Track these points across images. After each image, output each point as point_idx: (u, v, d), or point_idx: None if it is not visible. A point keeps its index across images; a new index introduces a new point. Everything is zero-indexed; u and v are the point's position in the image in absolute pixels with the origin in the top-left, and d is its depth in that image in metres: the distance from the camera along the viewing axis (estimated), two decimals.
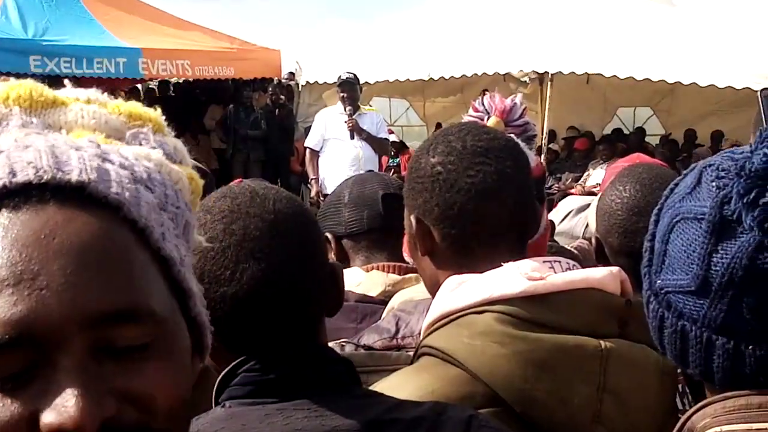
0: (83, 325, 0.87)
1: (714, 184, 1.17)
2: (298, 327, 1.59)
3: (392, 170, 17.60)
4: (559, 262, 1.80)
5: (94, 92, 1.12)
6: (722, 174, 1.17)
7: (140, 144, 1.07)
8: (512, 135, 2.40)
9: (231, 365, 1.56)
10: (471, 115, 2.53)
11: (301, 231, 1.62)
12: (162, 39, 16.65)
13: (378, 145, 10.69)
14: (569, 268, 1.78)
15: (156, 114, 1.12)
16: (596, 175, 15.38)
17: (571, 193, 14.49)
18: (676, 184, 1.29)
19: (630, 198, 2.47)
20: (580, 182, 15.69)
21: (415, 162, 1.96)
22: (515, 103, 2.52)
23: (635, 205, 2.45)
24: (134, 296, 0.91)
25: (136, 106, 1.12)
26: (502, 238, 1.87)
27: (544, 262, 1.78)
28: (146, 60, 15.78)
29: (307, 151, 10.83)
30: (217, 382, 1.58)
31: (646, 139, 18.98)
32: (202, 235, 1.54)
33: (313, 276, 1.59)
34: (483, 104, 2.53)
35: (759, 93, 1.73)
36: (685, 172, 1.30)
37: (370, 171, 2.83)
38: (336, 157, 10.39)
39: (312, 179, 10.61)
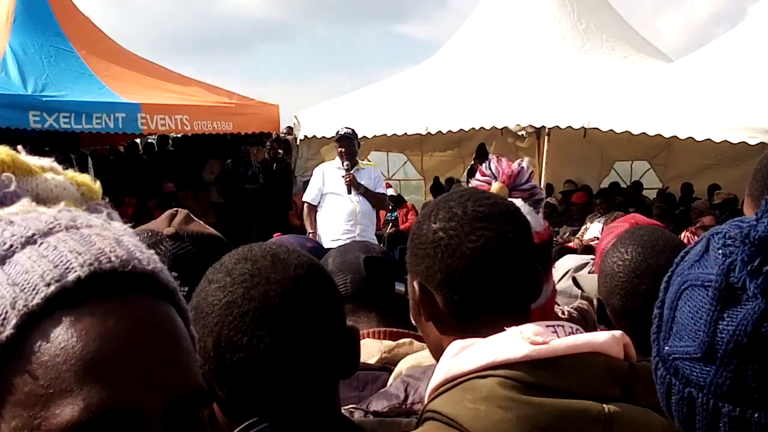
0: (169, 406, 0.93)
1: (720, 251, 1.18)
2: (312, 392, 1.59)
3: (390, 224, 17.62)
4: (563, 326, 1.79)
5: (47, 161, 1.16)
6: (729, 242, 1.17)
7: (97, 215, 1.09)
8: (519, 199, 2.42)
9: (243, 425, 1.56)
10: (478, 179, 2.54)
11: (321, 297, 1.62)
12: (161, 94, 16.74)
13: (375, 199, 10.70)
14: (572, 333, 1.77)
15: (92, 182, 1.17)
16: (593, 228, 15.40)
17: (569, 247, 14.53)
18: (687, 252, 1.30)
19: (631, 260, 2.48)
20: (577, 236, 15.68)
21: (417, 228, 1.97)
22: (522, 168, 2.53)
23: (636, 267, 2.46)
24: (199, 377, 0.99)
25: (84, 177, 1.15)
26: (505, 303, 1.87)
27: (547, 326, 1.77)
28: (145, 115, 15.86)
29: (305, 205, 10.84)
30: None
31: (643, 192, 19.04)
32: (222, 297, 1.55)
33: (329, 342, 1.60)
34: (490, 168, 2.55)
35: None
36: (696, 240, 1.31)
37: (357, 242, 2.83)
38: (334, 211, 10.40)
39: (310, 233, 10.59)
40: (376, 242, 11.03)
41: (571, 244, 14.92)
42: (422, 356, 2.45)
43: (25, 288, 0.93)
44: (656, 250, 2.48)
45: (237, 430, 1.56)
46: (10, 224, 1.00)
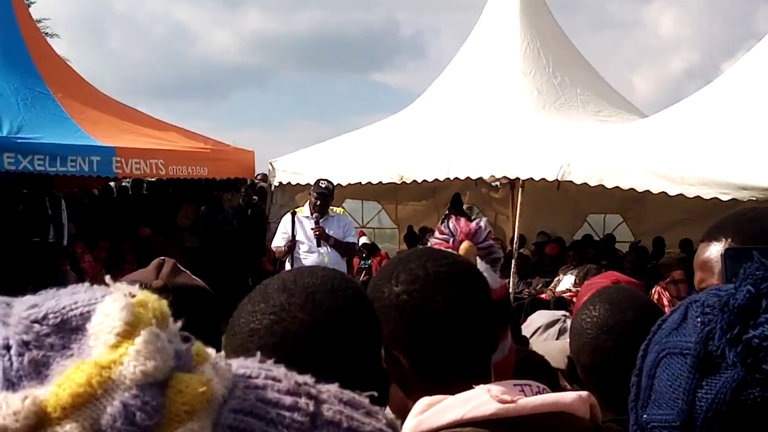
0: None
1: (699, 319, 1.19)
2: None
3: (363, 272, 17.61)
4: (530, 385, 1.81)
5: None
6: (707, 310, 1.18)
7: None
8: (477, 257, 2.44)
9: None
10: (437, 238, 2.55)
11: (348, 340, 1.62)
12: (136, 138, 16.73)
13: (345, 249, 10.74)
14: (539, 392, 1.79)
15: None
16: (566, 280, 15.45)
17: (541, 298, 14.56)
18: (664, 320, 1.31)
19: (599, 317, 2.50)
20: (550, 287, 15.72)
21: (377, 291, 1.95)
22: (480, 227, 2.55)
23: (604, 323, 2.48)
24: None
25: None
26: (470, 361, 1.88)
27: (515, 385, 1.79)
28: (120, 159, 15.82)
29: (276, 250, 10.88)
30: None
31: (616, 245, 19.11)
32: (250, 322, 1.56)
33: (349, 383, 1.60)
34: (448, 227, 2.56)
35: (722, 254, 1.75)
36: (673, 308, 1.32)
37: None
38: (303, 261, 10.40)
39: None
40: None
41: (543, 296, 14.98)
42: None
43: None
44: (623, 307, 2.51)
45: None
46: None
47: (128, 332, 0.85)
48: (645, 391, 1.27)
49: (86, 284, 0.92)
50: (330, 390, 1.00)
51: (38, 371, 0.84)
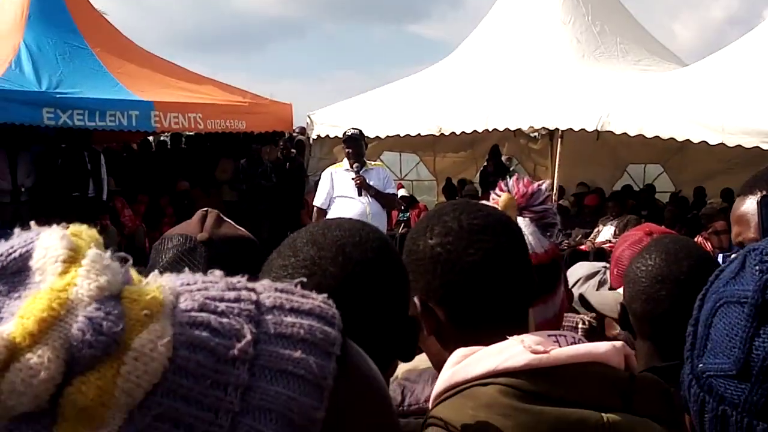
0: None
1: (757, 267, 1.16)
2: None
3: (402, 224, 17.63)
4: (564, 336, 1.81)
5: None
6: (765, 258, 1.16)
7: None
8: (527, 219, 2.43)
9: None
10: (495, 193, 2.54)
11: (379, 292, 1.63)
12: (174, 92, 16.76)
13: (386, 200, 10.68)
14: (574, 342, 1.79)
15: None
16: (606, 231, 15.38)
17: (581, 250, 14.50)
18: (722, 270, 1.29)
19: (654, 266, 2.49)
20: (589, 239, 15.66)
21: (413, 245, 1.97)
22: (539, 189, 2.53)
23: (659, 273, 2.47)
24: None
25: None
26: (506, 312, 1.89)
27: (549, 335, 1.79)
28: (158, 113, 15.87)
29: (315, 209, 10.82)
30: None
31: (656, 195, 19.01)
32: (283, 277, 1.57)
33: (381, 333, 1.60)
34: (507, 185, 2.55)
35: (758, 201, 1.73)
36: (731, 258, 1.29)
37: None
38: (344, 214, 10.32)
39: None
40: None
41: (583, 247, 14.91)
42: (419, 359, 2.47)
43: None
44: (679, 257, 2.50)
45: None
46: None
47: (72, 257, 0.91)
48: (701, 340, 1.25)
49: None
50: (263, 284, 1.06)
51: None
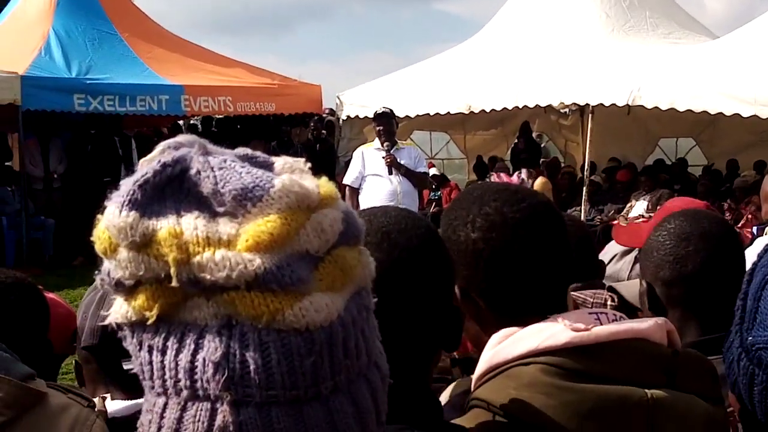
0: None
1: None
2: (412, 355, 1.62)
3: (434, 203, 17.63)
4: (605, 313, 1.80)
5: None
6: None
7: None
8: None
9: None
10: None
11: (424, 279, 1.63)
12: (203, 76, 16.83)
13: (417, 179, 10.65)
14: (615, 320, 1.78)
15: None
16: (638, 206, 15.29)
17: (613, 225, 14.44)
18: None
19: (676, 227, 2.49)
20: (622, 214, 15.58)
21: (453, 233, 1.96)
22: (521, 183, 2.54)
23: (682, 232, 2.47)
24: None
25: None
26: (547, 299, 1.89)
27: (590, 313, 1.78)
28: (188, 97, 15.94)
29: (347, 188, 10.80)
30: None
31: (689, 169, 18.90)
32: None
33: (427, 321, 1.62)
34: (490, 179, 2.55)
35: None
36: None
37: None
38: (375, 192, 10.35)
39: None
40: None
41: (615, 222, 14.86)
42: None
43: None
44: (698, 217, 2.52)
45: None
46: None
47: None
48: (750, 313, 1.25)
49: None
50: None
51: None
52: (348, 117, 18.26)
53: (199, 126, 20.59)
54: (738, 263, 2.42)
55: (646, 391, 1.67)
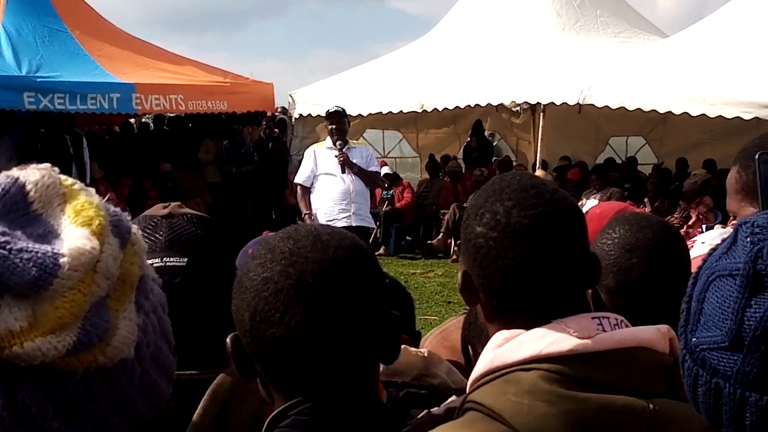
0: None
1: (749, 239, 1.17)
2: (349, 373, 1.60)
3: (386, 202, 17.63)
4: (608, 318, 1.78)
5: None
6: (757, 230, 1.17)
7: None
8: None
9: (283, 406, 1.58)
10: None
11: (357, 280, 1.61)
12: (155, 74, 16.72)
13: (369, 178, 10.66)
14: (617, 325, 1.77)
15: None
16: (589, 204, 15.36)
17: None
18: (715, 248, 1.30)
19: (620, 237, 2.48)
20: None
21: (465, 220, 1.93)
22: None
23: (626, 242, 2.47)
24: None
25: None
26: (548, 305, 1.83)
27: (592, 318, 1.77)
28: (140, 95, 15.83)
29: (298, 187, 10.78)
30: (268, 421, 1.61)
31: (639, 168, 19.06)
32: (261, 273, 1.58)
33: (365, 324, 1.60)
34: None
35: (757, 157, 1.72)
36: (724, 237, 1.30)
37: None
38: (328, 191, 10.35)
39: (305, 214, 10.56)
40: (372, 220, 11.05)
41: None
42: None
43: None
44: (642, 226, 2.51)
45: (278, 409, 1.59)
46: None
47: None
48: (694, 315, 1.27)
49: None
50: None
51: None
52: (300, 115, 18.26)
53: (151, 124, 20.48)
54: (683, 270, 2.43)
55: (648, 402, 1.66)
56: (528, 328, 1.76)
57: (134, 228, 1.29)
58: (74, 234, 1.16)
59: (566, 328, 1.72)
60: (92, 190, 1.30)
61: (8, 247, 1.11)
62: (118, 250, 1.21)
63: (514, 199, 1.87)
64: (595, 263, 1.92)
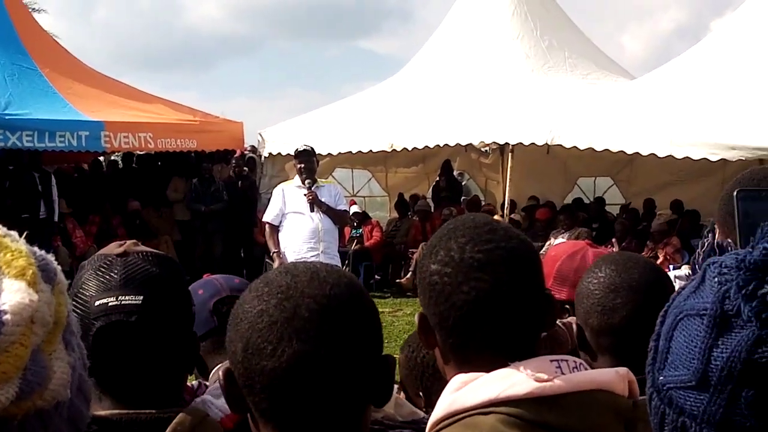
0: None
1: (716, 279, 1.18)
2: (336, 412, 1.59)
3: (355, 241, 17.62)
4: (566, 361, 1.78)
5: None
6: (725, 270, 1.18)
7: None
8: None
9: None
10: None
11: (353, 319, 1.61)
12: (124, 112, 16.68)
13: (337, 217, 10.64)
14: (576, 368, 1.77)
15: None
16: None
17: None
18: (683, 287, 1.31)
19: (606, 277, 2.49)
20: (541, 252, 15.71)
21: (421, 261, 1.95)
22: None
23: (611, 283, 2.47)
24: None
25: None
26: (504, 346, 1.84)
27: (551, 361, 1.76)
28: (108, 133, 15.77)
29: (266, 225, 10.77)
30: None
31: (607, 208, 19.14)
32: (257, 305, 1.59)
33: (358, 364, 1.59)
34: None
35: (735, 194, 1.75)
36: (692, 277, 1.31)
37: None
38: (296, 230, 10.32)
39: (274, 252, 10.53)
40: (338, 260, 11.01)
41: None
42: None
43: None
44: (628, 266, 2.50)
45: None
46: None
47: None
48: (662, 354, 1.27)
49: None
50: None
51: None
52: (270, 154, 18.25)
53: (120, 162, 20.43)
54: None
55: None
56: (485, 369, 1.76)
57: (56, 266, 1.30)
58: (11, 287, 1.17)
59: (524, 371, 1.71)
60: (15, 233, 1.29)
61: None
62: (50, 295, 1.23)
63: (468, 236, 1.89)
64: (551, 302, 1.93)
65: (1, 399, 1.12)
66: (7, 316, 1.13)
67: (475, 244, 1.87)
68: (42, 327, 1.19)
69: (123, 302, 2.03)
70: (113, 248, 2.23)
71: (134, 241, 2.30)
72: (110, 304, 1.99)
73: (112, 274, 2.09)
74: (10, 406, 1.13)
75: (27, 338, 1.16)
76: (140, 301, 2.04)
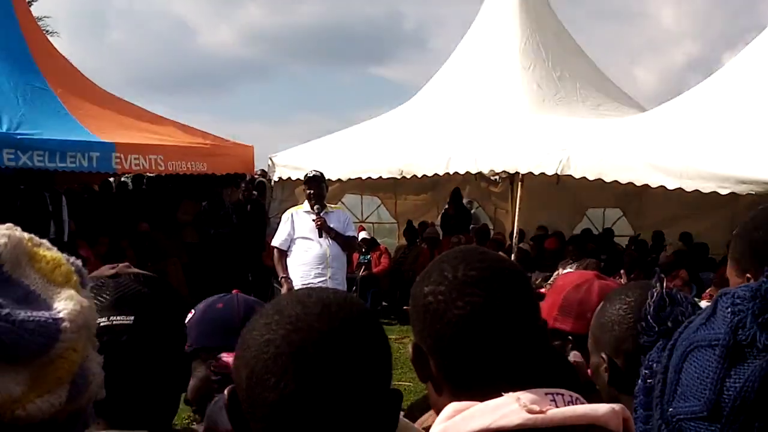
0: None
1: (729, 310, 1.18)
2: None
3: (363, 267, 17.62)
4: (562, 394, 1.77)
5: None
6: (737, 301, 1.18)
7: None
8: None
9: None
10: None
11: (361, 357, 1.59)
12: (136, 134, 16.72)
13: (346, 243, 10.66)
14: (571, 401, 1.76)
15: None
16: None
17: (541, 293, 14.52)
18: (691, 321, 1.31)
19: (635, 300, 2.45)
20: (549, 281, 15.68)
21: (414, 289, 1.94)
22: None
23: (643, 303, 2.45)
24: None
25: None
26: (499, 369, 1.83)
27: (546, 393, 1.75)
28: (119, 155, 15.81)
29: (275, 250, 10.78)
30: None
31: (615, 239, 19.11)
32: (264, 333, 1.59)
33: (362, 402, 1.58)
34: None
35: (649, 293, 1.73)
36: (700, 311, 1.31)
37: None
38: (304, 255, 10.35)
39: (282, 277, 10.54)
40: (345, 286, 11.00)
41: (542, 290, 14.94)
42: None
43: None
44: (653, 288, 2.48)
45: None
46: None
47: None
48: (671, 385, 1.27)
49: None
50: None
51: None
52: (280, 178, 18.28)
53: (130, 184, 20.46)
54: None
55: None
56: (479, 398, 1.75)
57: (85, 270, 1.37)
58: (62, 295, 1.22)
59: (517, 402, 1.70)
60: (46, 241, 1.34)
61: (11, 319, 1.16)
62: (92, 298, 1.30)
63: (460, 258, 1.90)
64: (544, 329, 1.93)
65: (55, 403, 1.17)
66: (66, 324, 1.18)
67: (467, 263, 1.88)
68: (90, 331, 1.25)
69: (114, 322, 2.05)
70: (105, 270, 2.24)
71: (126, 263, 2.31)
72: (102, 324, 1.99)
73: (104, 295, 2.10)
74: (61, 408, 1.18)
75: (80, 344, 1.21)
76: (131, 321, 2.06)
